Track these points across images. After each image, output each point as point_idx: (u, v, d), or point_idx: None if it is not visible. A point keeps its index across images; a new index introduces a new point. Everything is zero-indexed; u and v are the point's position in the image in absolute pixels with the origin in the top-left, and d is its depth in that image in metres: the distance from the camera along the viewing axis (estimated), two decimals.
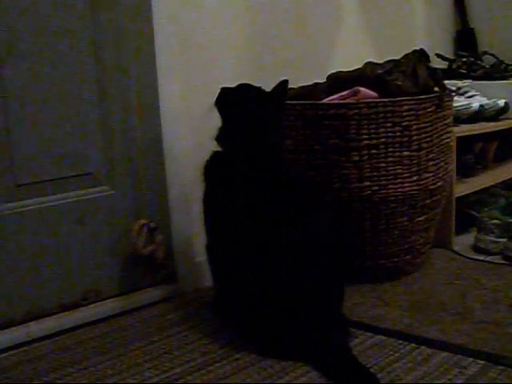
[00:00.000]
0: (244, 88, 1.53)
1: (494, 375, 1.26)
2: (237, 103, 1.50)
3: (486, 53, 2.88)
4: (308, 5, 2.24)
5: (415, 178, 1.77)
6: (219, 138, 1.53)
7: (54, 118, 1.58)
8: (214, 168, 1.52)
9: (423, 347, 1.40)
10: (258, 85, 1.54)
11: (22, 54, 1.51)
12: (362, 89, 1.76)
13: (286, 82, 1.54)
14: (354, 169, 1.72)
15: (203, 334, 1.53)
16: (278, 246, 1.36)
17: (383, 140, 1.72)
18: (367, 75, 1.82)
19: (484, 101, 2.39)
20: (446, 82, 1.96)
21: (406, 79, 1.80)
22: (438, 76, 1.88)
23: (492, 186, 2.46)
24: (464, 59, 2.75)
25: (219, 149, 1.54)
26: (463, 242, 2.19)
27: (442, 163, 1.87)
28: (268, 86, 1.54)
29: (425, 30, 2.91)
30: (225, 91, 1.53)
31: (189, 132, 1.82)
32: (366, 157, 1.72)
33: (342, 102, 1.76)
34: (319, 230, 1.42)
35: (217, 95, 1.53)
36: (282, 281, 1.35)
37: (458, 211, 2.14)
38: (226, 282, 1.52)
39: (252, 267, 1.38)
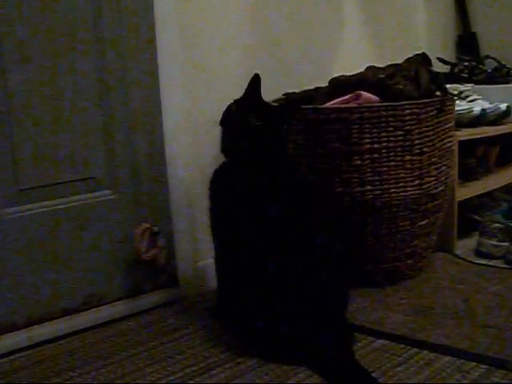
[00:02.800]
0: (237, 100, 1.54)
1: (496, 379, 1.26)
2: (230, 116, 1.52)
3: (487, 57, 2.88)
4: (310, 9, 2.24)
5: (417, 182, 1.77)
6: (222, 150, 1.55)
7: (57, 122, 1.58)
8: (217, 179, 1.54)
9: (426, 351, 1.40)
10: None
11: (27, 60, 1.52)
12: (364, 93, 1.77)
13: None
14: (356, 173, 1.72)
15: (205, 338, 1.53)
16: (281, 251, 1.36)
17: (385, 144, 1.72)
18: (369, 79, 1.82)
19: (486, 105, 2.39)
20: (447, 86, 1.96)
21: (408, 83, 1.80)
22: (439, 80, 1.88)
23: (494, 190, 2.46)
24: (466, 63, 2.75)
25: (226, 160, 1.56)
26: (465, 246, 2.19)
27: (443, 167, 1.87)
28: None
29: (427, 34, 2.91)
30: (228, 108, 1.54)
31: (191, 137, 1.82)
32: (367, 161, 1.72)
33: (343, 106, 1.76)
34: (322, 234, 1.42)
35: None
36: (285, 285, 1.35)
37: (460, 215, 2.14)
38: (229, 286, 1.52)
39: (255, 271, 1.38)
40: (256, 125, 1.46)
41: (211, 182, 1.55)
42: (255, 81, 1.51)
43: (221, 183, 1.53)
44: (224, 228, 1.50)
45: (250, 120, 1.47)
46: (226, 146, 1.54)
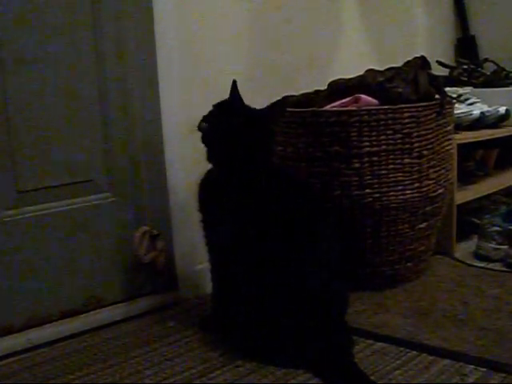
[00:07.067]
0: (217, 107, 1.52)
1: (495, 382, 1.26)
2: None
3: (486, 60, 2.89)
4: (309, 13, 2.24)
5: (416, 185, 1.77)
6: (209, 159, 1.52)
7: (56, 124, 1.58)
8: (203, 187, 1.52)
9: (424, 354, 1.40)
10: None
11: (26, 61, 1.52)
12: (363, 96, 1.77)
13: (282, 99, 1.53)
14: (355, 176, 1.72)
15: (204, 341, 1.53)
16: (279, 256, 1.36)
17: (384, 147, 1.72)
18: (368, 82, 1.83)
19: (485, 108, 2.39)
20: (446, 89, 1.97)
21: (407, 86, 1.80)
22: (439, 83, 1.88)
23: (493, 193, 2.46)
24: (465, 66, 2.75)
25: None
26: (464, 249, 2.19)
27: (442, 170, 1.87)
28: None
29: (426, 38, 2.91)
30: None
31: (190, 140, 1.82)
32: (366, 164, 1.72)
33: (343, 109, 1.76)
34: (321, 238, 1.42)
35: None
36: (284, 289, 1.35)
37: (459, 218, 2.14)
38: (226, 293, 1.51)
39: (253, 277, 1.38)
40: (247, 131, 1.43)
41: (201, 193, 1.53)
42: (235, 87, 1.48)
43: (213, 193, 1.50)
44: (216, 236, 1.50)
45: (240, 127, 1.44)
46: (215, 155, 1.50)
